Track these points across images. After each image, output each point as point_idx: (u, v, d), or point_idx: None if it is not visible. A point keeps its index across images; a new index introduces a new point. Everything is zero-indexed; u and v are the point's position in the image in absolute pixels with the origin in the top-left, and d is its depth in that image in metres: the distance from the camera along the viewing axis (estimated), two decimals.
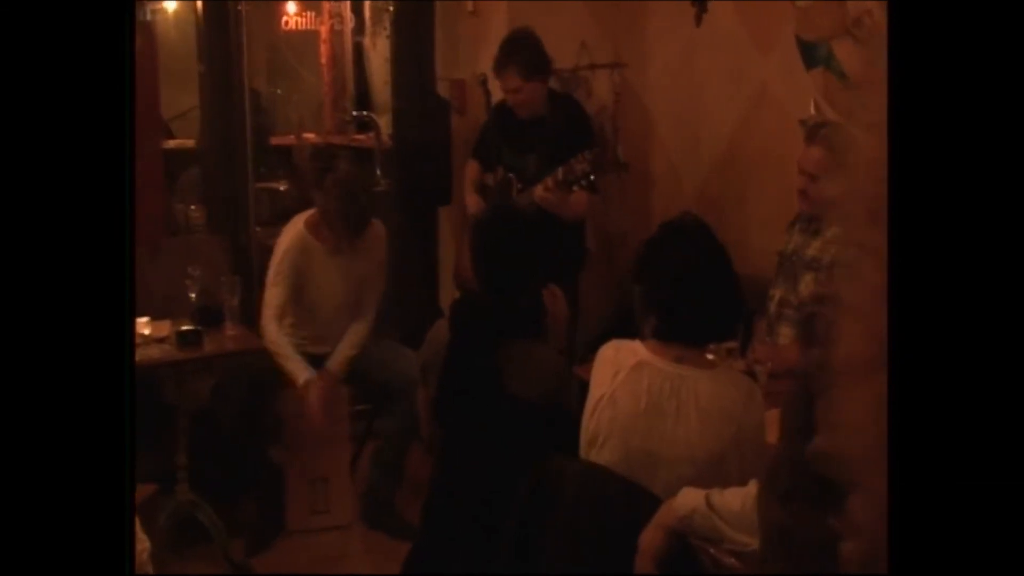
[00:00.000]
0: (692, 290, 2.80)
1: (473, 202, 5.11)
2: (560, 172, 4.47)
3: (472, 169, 5.29)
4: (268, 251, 5.11)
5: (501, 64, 4.88)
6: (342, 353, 4.73)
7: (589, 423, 2.82)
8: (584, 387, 3.00)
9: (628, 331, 2.99)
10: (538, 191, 4.54)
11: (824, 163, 3.55)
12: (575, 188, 4.53)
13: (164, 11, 6.79)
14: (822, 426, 0.97)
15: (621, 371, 2.79)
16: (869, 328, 0.93)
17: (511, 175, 4.92)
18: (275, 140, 6.97)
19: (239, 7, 5.64)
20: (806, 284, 3.77)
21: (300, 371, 4.57)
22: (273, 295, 4.67)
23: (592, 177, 4.46)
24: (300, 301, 4.77)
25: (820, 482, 0.98)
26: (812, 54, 4.34)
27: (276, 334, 4.62)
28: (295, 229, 4.75)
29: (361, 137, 7.10)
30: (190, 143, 6.45)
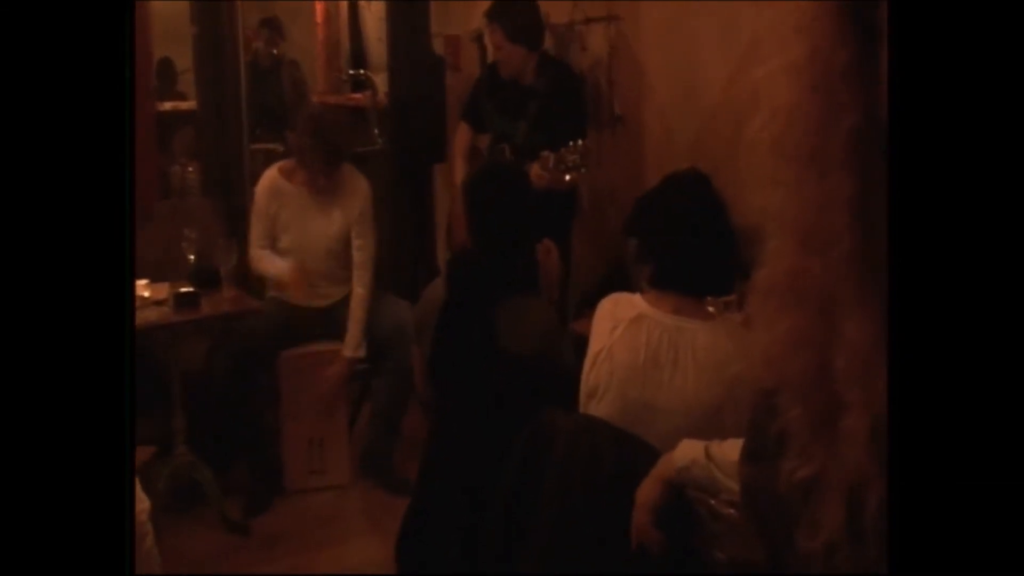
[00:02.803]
0: (689, 237, 2.79)
1: (461, 169, 5.09)
2: (551, 160, 4.47)
3: (462, 132, 5.28)
4: None
5: (491, 16, 4.91)
6: (353, 334, 4.83)
7: (588, 377, 2.82)
8: (579, 342, 2.99)
9: (621, 285, 2.97)
10: (533, 176, 4.47)
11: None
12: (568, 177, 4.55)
13: None
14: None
15: (620, 325, 2.78)
16: (777, 263, 0.94)
17: (502, 145, 4.90)
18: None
19: None
20: None
21: (281, 266, 4.80)
22: (254, 233, 4.86)
23: (583, 169, 4.46)
24: (284, 248, 4.86)
25: (780, 441, 0.99)
26: None
27: (263, 253, 4.84)
28: (268, 173, 4.91)
29: (357, 96, 7.07)
30: (184, 105, 6.42)
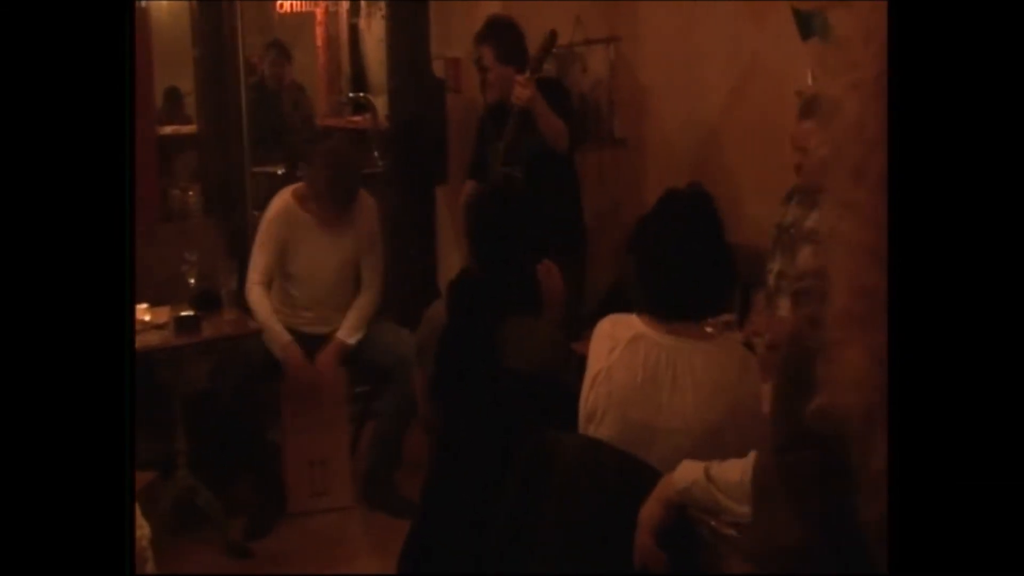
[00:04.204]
0: (684, 261, 2.78)
1: None
2: (527, 68, 4.69)
3: (468, 189, 5.30)
4: None
5: (479, 40, 5.06)
6: (350, 322, 4.81)
7: (587, 398, 2.81)
8: (583, 362, 2.98)
9: (624, 304, 2.97)
10: (516, 90, 4.68)
11: (818, 136, 3.52)
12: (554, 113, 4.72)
13: None
14: (822, 384, 0.95)
15: (618, 345, 2.78)
16: (856, 284, 0.91)
17: (497, 144, 4.94)
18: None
19: None
20: (805, 257, 3.74)
21: (279, 335, 4.68)
22: (256, 261, 4.76)
23: (552, 48, 4.72)
24: (292, 273, 4.81)
25: (815, 445, 0.97)
26: (807, 24, 4.31)
27: (260, 298, 4.72)
28: (282, 199, 4.82)
29: (357, 119, 7.08)
30: (185, 129, 6.43)
